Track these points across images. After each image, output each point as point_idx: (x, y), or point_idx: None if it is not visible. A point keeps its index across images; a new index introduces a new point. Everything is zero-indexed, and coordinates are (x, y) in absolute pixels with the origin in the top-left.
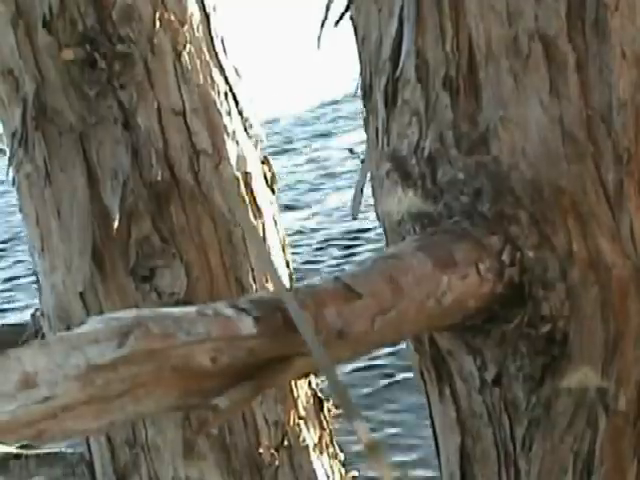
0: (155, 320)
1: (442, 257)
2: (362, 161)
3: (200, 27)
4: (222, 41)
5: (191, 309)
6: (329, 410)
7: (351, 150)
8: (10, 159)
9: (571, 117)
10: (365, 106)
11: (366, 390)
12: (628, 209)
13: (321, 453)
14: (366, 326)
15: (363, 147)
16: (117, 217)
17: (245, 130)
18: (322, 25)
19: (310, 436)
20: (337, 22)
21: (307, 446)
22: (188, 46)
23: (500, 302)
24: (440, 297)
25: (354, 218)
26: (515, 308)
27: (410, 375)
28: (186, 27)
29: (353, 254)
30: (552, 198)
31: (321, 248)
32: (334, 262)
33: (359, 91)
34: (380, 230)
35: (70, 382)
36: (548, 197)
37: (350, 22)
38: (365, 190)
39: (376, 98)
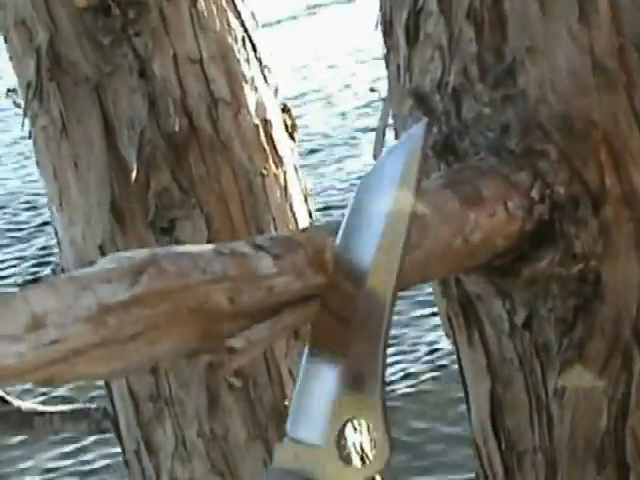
0: (170, 258)
1: (469, 194)
2: (383, 100)
3: None
4: None
5: (208, 247)
6: None
7: (372, 89)
8: (25, 111)
9: (602, 46)
10: (385, 43)
11: None
12: None
13: None
14: None
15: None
16: (135, 168)
17: (264, 77)
18: None
19: None
20: None
21: None
22: None
23: (530, 241)
24: (467, 236)
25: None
26: (545, 247)
27: None
28: None
29: None
30: (583, 132)
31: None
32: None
33: (379, 28)
34: None
35: (80, 324)
36: (578, 131)
37: None
38: None
39: (397, 34)
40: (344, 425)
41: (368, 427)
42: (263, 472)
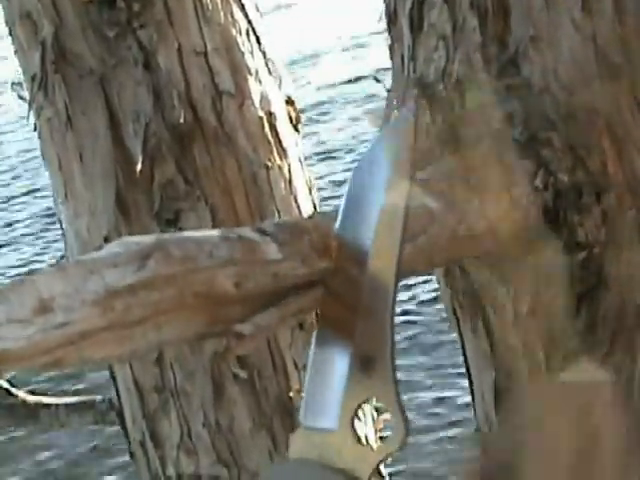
0: (176, 243)
1: (473, 182)
2: (388, 90)
3: None
4: None
5: (214, 232)
6: None
7: (376, 78)
8: (30, 104)
9: (604, 34)
10: (390, 33)
11: None
12: None
13: None
14: None
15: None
16: (140, 160)
17: (267, 69)
18: None
19: None
20: None
21: None
22: None
23: (533, 229)
24: (472, 223)
25: None
26: (549, 235)
27: None
28: None
29: None
30: (586, 120)
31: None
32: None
33: (383, 18)
34: None
35: (88, 307)
36: (582, 119)
37: None
38: None
39: (401, 23)
40: (358, 408)
41: (382, 408)
42: (278, 465)
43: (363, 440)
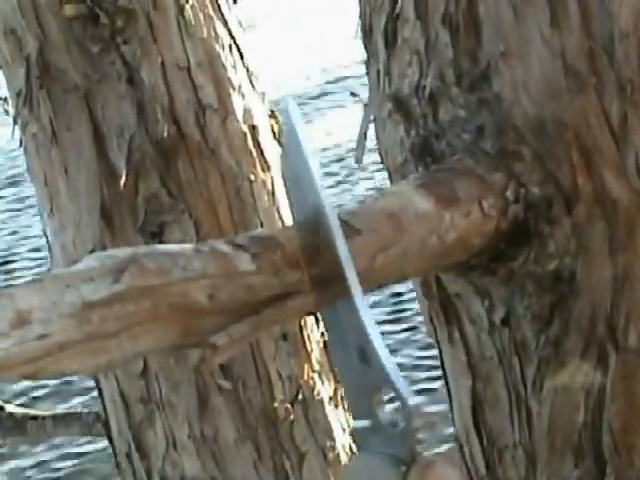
0: (150, 257)
1: (444, 194)
2: (365, 105)
3: None
4: None
5: (188, 246)
6: None
7: (353, 93)
8: (15, 119)
9: (572, 49)
10: (366, 48)
11: None
12: (633, 141)
13: (337, 406)
14: (367, 263)
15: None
16: (124, 174)
17: (251, 83)
18: None
19: (325, 389)
20: None
21: (322, 400)
22: (191, 0)
23: (505, 240)
24: (443, 234)
25: (358, 163)
26: (521, 246)
27: None
28: None
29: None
30: (555, 133)
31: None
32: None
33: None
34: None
35: (65, 320)
36: (551, 132)
37: None
38: None
39: (376, 39)
40: None
41: None
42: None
43: None
